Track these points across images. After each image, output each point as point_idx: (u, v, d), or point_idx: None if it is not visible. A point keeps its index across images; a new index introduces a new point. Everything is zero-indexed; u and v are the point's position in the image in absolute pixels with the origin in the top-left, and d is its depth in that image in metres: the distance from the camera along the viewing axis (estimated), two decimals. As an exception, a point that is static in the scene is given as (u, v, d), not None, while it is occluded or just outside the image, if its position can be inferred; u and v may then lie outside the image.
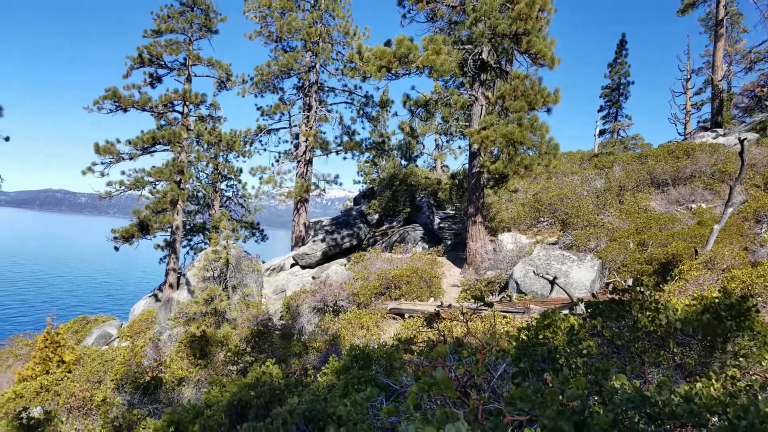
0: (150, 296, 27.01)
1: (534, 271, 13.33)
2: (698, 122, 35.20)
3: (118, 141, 24.48)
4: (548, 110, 15.66)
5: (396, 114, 29.31)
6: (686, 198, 17.56)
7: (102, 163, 24.74)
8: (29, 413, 7.01)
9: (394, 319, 13.76)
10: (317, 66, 28.34)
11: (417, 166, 36.05)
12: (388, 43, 15.83)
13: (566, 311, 5.61)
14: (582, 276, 13.04)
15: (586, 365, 3.81)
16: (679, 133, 35.23)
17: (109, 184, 25.14)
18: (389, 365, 6.10)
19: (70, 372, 14.17)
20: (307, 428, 4.56)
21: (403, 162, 38.00)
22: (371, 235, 25.31)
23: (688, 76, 36.31)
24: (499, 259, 15.96)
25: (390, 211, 26.23)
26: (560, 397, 2.04)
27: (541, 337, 5.01)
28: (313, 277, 21.38)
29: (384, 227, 25.71)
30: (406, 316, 13.32)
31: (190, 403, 5.62)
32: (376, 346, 7.73)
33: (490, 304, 3.45)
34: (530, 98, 15.06)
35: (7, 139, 25.75)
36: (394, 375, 5.51)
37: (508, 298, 12.69)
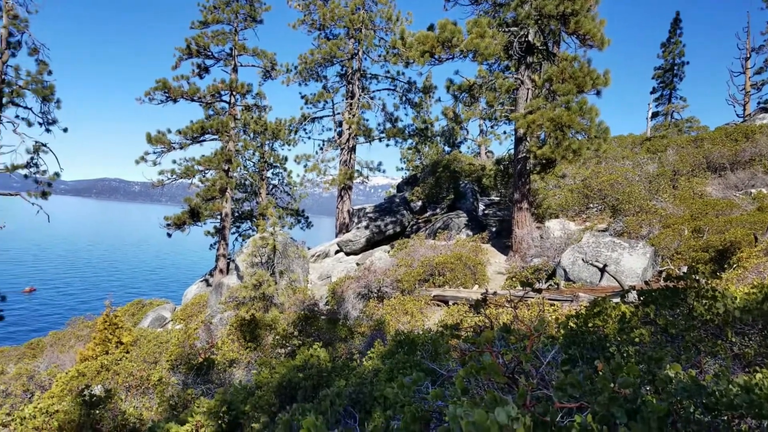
0: (201, 281, 27.88)
1: (583, 259, 13.04)
2: (758, 103, 33.42)
3: (169, 131, 25.20)
4: (598, 93, 15.19)
5: (439, 100, 29.04)
6: (745, 183, 16.77)
7: (154, 153, 25.55)
8: (91, 391, 7.36)
9: (438, 305, 13.76)
10: (360, 53, 28.34)
11: (461, 152, 35.70)
12: (431, 28, 15.66)
13: (617, 299, 5.48)
14: (633, 263, 12.67)
15: (638, 354, 3.72)
16: (737, 115, 33.52)
17: (161, 172, 25.98)
18: (434, 351, 6.12)
19: (127, 353, 14.82)
20: (354, 410, 4.64)
21: (447, 148, 37.70)
22: (414, 221, 25.30)
23: (748, 55, 34.39)
24: (546, 247, 15.68)
25: (433, 198, 26.13)
26: (612, 385, 2.00)
27: (590, 325, 4.91)
28: (357, 264, 21.57)
29: (427, 214, 25.64)
30: (450, 303, 13.29)
31: (242, 384, 5.80)
32: (420, 332, 7.77)
33: (540, 291, 3.41)
34: (579, 80, 14.63)
35: (65, 130, 26.86)
36: (439, 360, 5.53)
37: (556, 286, 12.47)
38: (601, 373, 2.33)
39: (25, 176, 25.38)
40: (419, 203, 26.20)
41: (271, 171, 31.57)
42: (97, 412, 6.70)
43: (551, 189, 21.10)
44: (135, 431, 6.68)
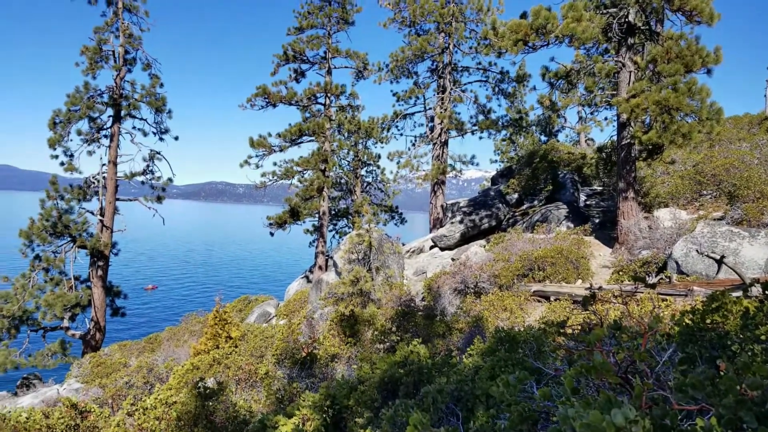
0: (302, 277, 29.00)
1: (697, 250, 12.11)
2: None
3: (270, 134, 26.44)
4: (708, 71, 13.99)
5: (534, 88, 28.07)
6: None
7: (256, 156, 26.95)
8: (205, 383, 7.89)
9: (538, 301, 13.37)
10: (450, 46, 28.11)
11: (558, 141, 34.35)
12: (523, 15, 15.18)
13: (737, 293, 5.05)
14: (755, 254, 11.59)
15: (765, 352, 3.41)
16: None
17: (263, 174, 27.37)
18: (537, 349, 5.96)
19: (236, 347, 15.72)
20: (455, 407, 4.64)
21: (543, 138, 36.40)
22: (510, 215, 24.71)
23: None
24: (656, 238, 14.71)
25: (530, 190, 25.37)
26: (738, 386, 1.86)
27: (708, 321, 4.56)
28: (453, 259, 21.45)
29: (524, 207, 24.94)
30: (552, 299, 12.86)
31: (344, 378, 5.98)
32: (521, 329, 7.59)
33: (653, 286, 3.22)
34: (686, 60, 13.56)
35: (176, 138, 28.95)
36: (543, 358, 5.38)
37: (667, 280, 11.68)
38: (724, 373, 2.17)
39: (142, 182, 27.83)
40: (515, 196, 25.53)
41: (365, 169, 32.17)
42: (211, 403, 7.14)
43: (659, 176, 19.77)
44: (245, 423, 7.06)
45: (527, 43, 14.99)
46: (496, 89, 29.19)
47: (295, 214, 27.06)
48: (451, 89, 28.35)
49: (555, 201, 23.31)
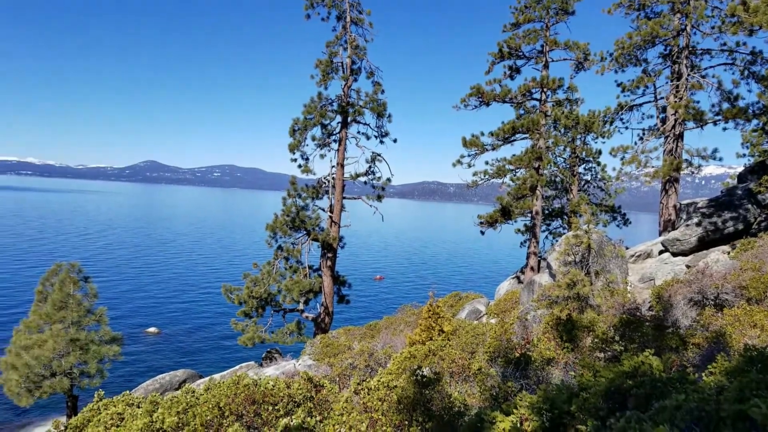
0: (513, 278, 28.56)
1: None
2: None
3: (482, 134, 26.54)
4: None
5: (800, 68, 23.37)
6: None
7: (468, 155, 27.27)
8: (422, 372, 8.22)
9: (803, 320, 11.12)
10: (687, 28, 24.95)
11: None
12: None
13: None
14: None
15: None
16: None
17: (474, 174, 27.61)
18: (806, 375, 4.94)
19: (448, 341, 16.12)
20: (696, 427, 4.09)
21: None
22: (763, 217, 20.97)
23: None
24: None
25: (792, 189, 21.19)
26: None
27: None
28: (687, 266, 19.03)
29: (783, 209, 20.93)
30: (824, 318, 10.59)
31: (563, 384, 5.70)
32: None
33: None
34: None
35: (395, 140, 30.75)
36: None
37: None
38: None
39: (365, 182, 30.26)
40: (769, 195, 21.57)
41: (582, 166, 30.44)
42: (427, 391, 7.42)
43: None
44: (460, 414, 7.17)
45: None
46: (745, 73, 25.04)
47: (506, 213, 26.73)
48: (688, 75, 25.14)
49: (828, 202, 19.12)
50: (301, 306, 28.45)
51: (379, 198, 30.05)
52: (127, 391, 10.83)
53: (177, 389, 22.95)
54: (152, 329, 42.81)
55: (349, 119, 28.93)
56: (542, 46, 26.45)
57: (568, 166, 30.06)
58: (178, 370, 26.82)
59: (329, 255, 28.72)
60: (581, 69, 26.81)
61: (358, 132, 29.57)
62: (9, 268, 63.87)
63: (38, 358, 18.93)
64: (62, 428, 9.52)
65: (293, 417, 6.49)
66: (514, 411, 5.24)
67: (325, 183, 29.23)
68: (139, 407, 8.68)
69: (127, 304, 50.54)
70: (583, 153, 29.05)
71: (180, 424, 6.72)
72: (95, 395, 9.73)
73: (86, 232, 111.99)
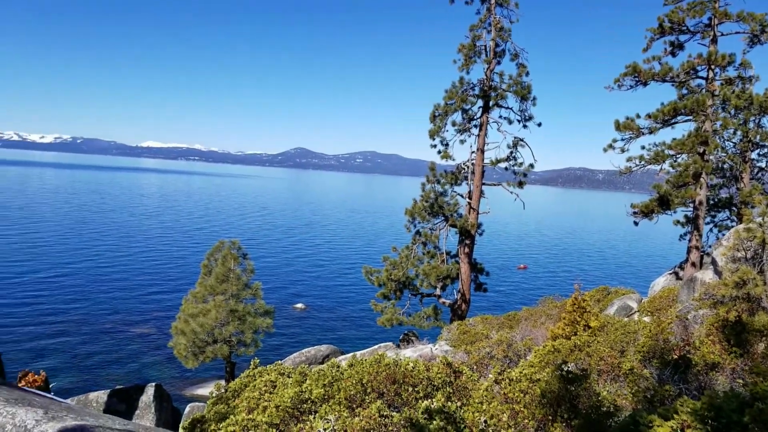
0: (670, 273, 26.32)
1: None
2: None
3: (638, 116, 24.54)
4: None
5: None
6: None
7: (622, 140, 25.40)
8: (567, 367, 7.91)
9: None
10: None
11: None
12: None
13: None
14: None
15: None
16: None
17: (628, 159, 25.67)
18: None
19: (594, 337, 15.30)
20: None
21: None
22: None
23: None
24: None
25: None
26: None
27: None
28: None
29: None
30: None
31: (733, 392, 5.17)
32: None
33: None
34: None
35: (539, 124, 29.68)
36: None
37: None
38: None
39: (505, 168, 29.53)
40: None
41: (756, 152, 27.19)
42: (573, 388, 7.13)
43: None
44: (608, 415, 6.82)
45: None
46: None
47: (664, 203, 24.54)
48: None
49: None
50: (438, 291, 28.76)
51: (521, 184, 29.21)
52: (279, 361, 11.82)
53: (321, 363, 24.55)
54: (299, 305, 46.09)
55: (490, 103, 28.40)
56: (710, 18, 23.69)
57: (738, 152, 27.07)
58: (322, 345, 28.63)
59: (467, 242, 28.61)
60: (756, 43, 23.58)
61: (500, 116, 28.93)
62: (180, 244, 72.77)
63: (203, 326, 21.32)
64: (223, 390, 10.64)
65: (434, 400, 6.63)
66: (674, 416, 4.86)
67: (464, 169, 29.08)
68: (289, 377, 9.43)
69: (277, 279, 54.90)
70: (758, 137, 25.87)
71: (326, 396, 7.19)
72: (251, 362, 10.74)
73: (244, 212, 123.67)
